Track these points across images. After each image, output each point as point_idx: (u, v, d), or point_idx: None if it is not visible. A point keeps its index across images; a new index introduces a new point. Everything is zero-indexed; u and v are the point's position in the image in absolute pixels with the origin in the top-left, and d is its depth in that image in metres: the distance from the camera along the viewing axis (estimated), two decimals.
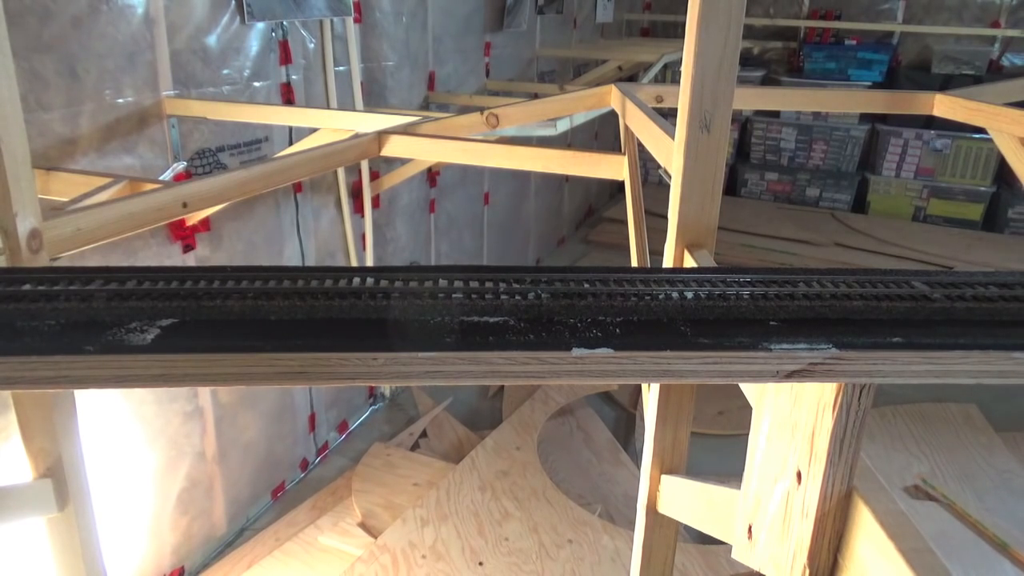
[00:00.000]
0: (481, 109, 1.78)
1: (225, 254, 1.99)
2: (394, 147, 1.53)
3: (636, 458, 2.48)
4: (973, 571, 2.03)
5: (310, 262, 2.37)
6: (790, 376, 0.55)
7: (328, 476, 2.42)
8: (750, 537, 0.73)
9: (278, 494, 2.35)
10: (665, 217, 0.98)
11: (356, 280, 0.60)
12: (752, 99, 2.35)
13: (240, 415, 2.14)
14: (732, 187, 5.13)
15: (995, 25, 4.57)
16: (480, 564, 2.02)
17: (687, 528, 1.13)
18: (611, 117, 1.87)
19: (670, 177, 0.96)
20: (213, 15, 1.83)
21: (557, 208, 4.46)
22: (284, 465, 2.37)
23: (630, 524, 1.43)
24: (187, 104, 1.75)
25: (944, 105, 1.75)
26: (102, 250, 1.54)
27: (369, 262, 2.63)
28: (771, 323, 0.58)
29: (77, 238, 1.06)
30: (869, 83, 4.61)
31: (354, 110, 2.32)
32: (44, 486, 1.00)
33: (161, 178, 1.71)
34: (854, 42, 4.74)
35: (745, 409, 0.73)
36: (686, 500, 0.98)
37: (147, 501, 1.86)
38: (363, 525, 2.15)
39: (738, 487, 0.76)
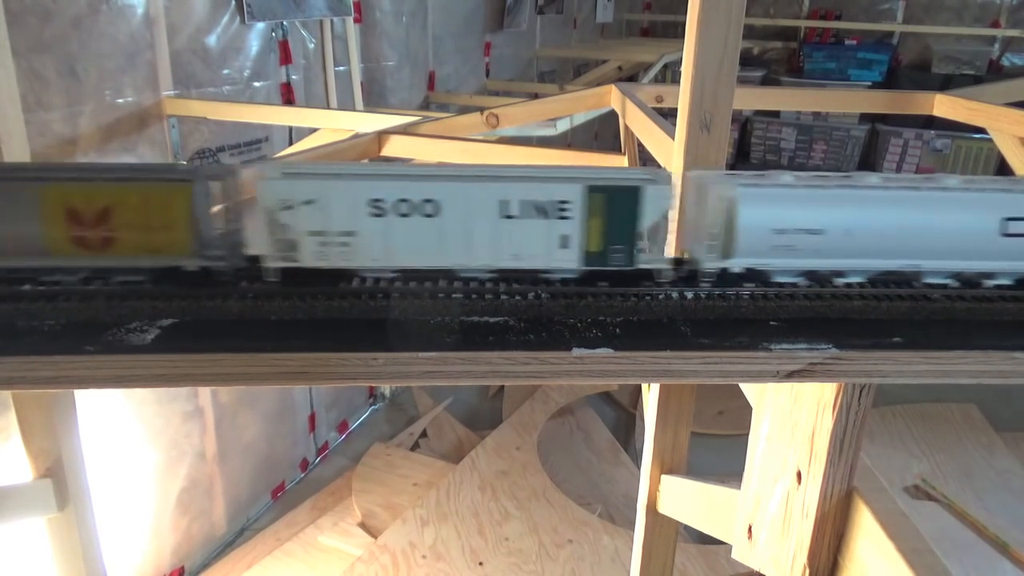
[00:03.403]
0: (481, 109, 1.78)
1: None
2: (394, 147, 1.53)
3: (636, 458, 2.48)
4: (973, 571, 2.03)
5: None
6: (790, 376, 0.55)
7: (328, 476, 2.42)
8: (750, 537, 0.73)
9: (278, 494, 2.34)
10: None
11: (356, 280, 0.60)
12: (752, 99, 2.35)
13: (240, 415, 2.14)
14: None
15: (995, 25, 4.57)
16: (480, 564, 2.02)
17: (687, 528, 1.13)
18: (611, 117, 1.87)
19: None
20: (213, 15, 1.83)
21: None
22: (284, 465, 2.37)
23: (630, 524, 1.43)
24: (187, 104, 1.75)
25: (944, 105, 1.75)
26: None
27: None
28: (771, 323, 0.58)
29: None
30: (869, 83, 4.60)
31: (354, 110, 2.32)
32: (44, 486, 1.00)
33: None
34: (854, 42, 4.73)
35: (745, 409, 0.73)
36: (686, 500, 0.98)
37: (147, 501, 1.86)
38: (363, 525, 2.15)
39: (738, 487, 0.75)
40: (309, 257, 0.56)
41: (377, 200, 0.56)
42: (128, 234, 0.54)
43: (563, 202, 0.56)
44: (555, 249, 0.58)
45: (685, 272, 0.60)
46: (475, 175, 0.56)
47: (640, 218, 0.57)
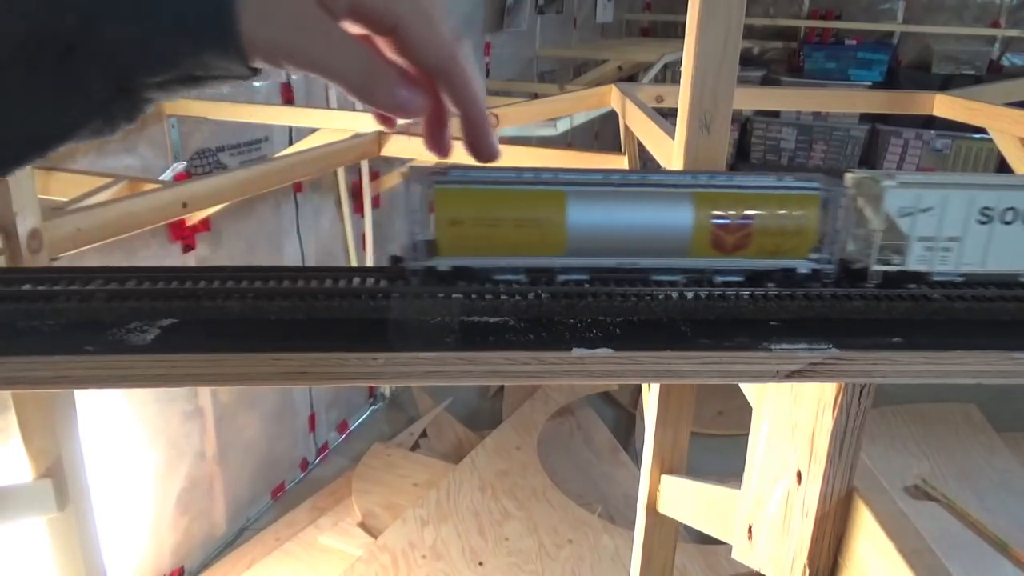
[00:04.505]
0: None
1: (225, 254, 1.99)
2: (394, 147, 1.53)
3: (636, 458, 2.48)
4: (973, 571, 2.03)
5: (310, 262, 2.37)
6: (790, 376, 0.55)
7: (328, 476, 2.42)
8: (750, 537, 0.73)
9: (278, 494, 2.35)
10: None
11: (356, 280, 0.60)
12: (752, 99, 2.35)
13: (240, 415, 2.14)
14: None
15: (995, 25, 4.57)
16: (480, 564, 2.02)
17: (687, 528, 1.13)
18: (611, 117, 1.87)
19: None
20: None
21: None
22: (284, 465, 2.37)
23: (630, 524, 1.43)
24: (187, 104, 1.75)
25: (944, 105, 1.75)
26: (102, 250, 1.54)
27: (369, 262, 2.63)
28: (771, 323, 0.58)
29: (77, 238, 1.06)
30: (869, 83, 4.61)
31: (354, 110, 2.32)
32: (44, 486, 1.00)
33: (161, 178, 1.71)
34: (854, 42, 4.74)
35: (745, 409, 0.73)
36: (686, 500, 0.98)
37: (147, 501, 1.86)
38: (363, 525, 2.15)
39: (738, 487, 0.76)
40: (914, 261, 0.61)
41: (987, 208, 0.60)
42: (759, 238, 0.59)
43: None
44: None
45: None
46: None
47: None
